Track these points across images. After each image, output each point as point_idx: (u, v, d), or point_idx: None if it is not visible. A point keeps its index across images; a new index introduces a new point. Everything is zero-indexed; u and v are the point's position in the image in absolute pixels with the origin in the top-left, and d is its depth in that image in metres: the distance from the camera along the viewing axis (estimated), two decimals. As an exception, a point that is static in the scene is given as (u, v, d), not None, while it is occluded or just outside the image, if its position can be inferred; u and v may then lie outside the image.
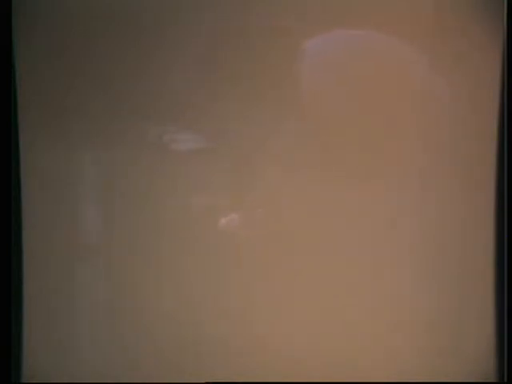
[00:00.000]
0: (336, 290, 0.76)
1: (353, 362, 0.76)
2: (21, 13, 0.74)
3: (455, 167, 0.76)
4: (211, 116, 0.75)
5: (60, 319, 0.76)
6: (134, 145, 0.75)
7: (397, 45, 0.75)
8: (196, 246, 0.76)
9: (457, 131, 0.76)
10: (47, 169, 0.76)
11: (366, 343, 0.76)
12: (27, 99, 0.75)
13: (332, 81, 0.75)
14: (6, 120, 0.73)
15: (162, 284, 0.76)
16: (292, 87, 0.75)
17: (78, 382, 0.76)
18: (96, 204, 0.76)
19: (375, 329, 0.76)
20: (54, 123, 0.75)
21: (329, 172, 0.76)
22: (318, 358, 0.76)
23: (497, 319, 0.76)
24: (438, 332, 0.77)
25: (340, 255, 0.76)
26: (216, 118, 0.75)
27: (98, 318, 0.77)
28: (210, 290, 0.76)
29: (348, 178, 0.76)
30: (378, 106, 0.75)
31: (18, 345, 0.76)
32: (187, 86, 0.75)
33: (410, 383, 0.75)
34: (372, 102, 0.75)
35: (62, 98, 0.75)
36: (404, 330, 0.77)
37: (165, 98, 0.75)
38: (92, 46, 0.75)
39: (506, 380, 0.74)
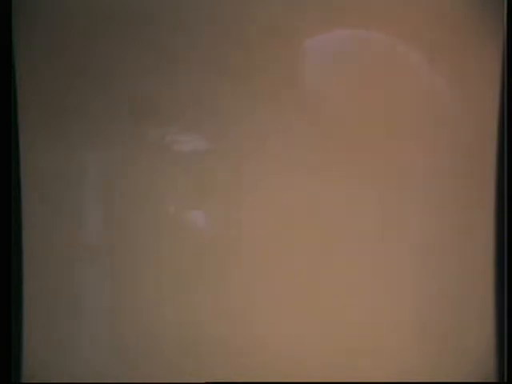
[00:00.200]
0: (336, 290, 0.76)
1: (353, 361, 0.76)
2: (21, 13, 0.74)
3: (455, 167, 0.76)
4: (213, 116, 0.75)
5: (60, 319, 0.76)
6: (134, 145, 0.75)
7: (396, 44, 0.75)
8: (196, 246, 0.76)
9: (457, 131, 0.76)
10: (47, 169, 0.76)
11: (366, 343, 0.76)
12: (27, 99, 0.75)
13: (331, 81, 0.75)
14: (5, 120, 0.73)
15: (162, 284, 0.76)
16: (291, 87, 0.75)
17: (78, 382, 0.76)
18: (96, 204, 0.76)
19: (375, 329, 0.76)
20: (54, 123, 0.75)
21: (329, 172, 0.76)
22: (318, 358, 0.76)
23: (497, 319, 0.76)
24: (438, 332, 0.77)
25: (340, 255, 0.76)
26: (218, 117, 0.75)
27: (98, 317, 0.77)
28: (210, 290, 0.76)
29: (348, 178, 0.76)
30: (377, 106, 0.75)
31: (18, 345, 0.76)
32: (188, 85, 0.75)
33: (410, 383, 0.75)
34: (371, 102, 0.75)
35: (61, 98, 0.75)
36: (404, 330, 0.77)
37: (165, 98, 0.75)
38: (92, 45, 0.75)
39: (506, 380, 0.74)
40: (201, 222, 0.76)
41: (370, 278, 0.76)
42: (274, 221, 0.76)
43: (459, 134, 0.76)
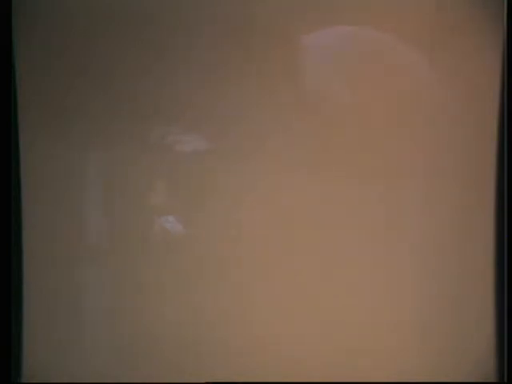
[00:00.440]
0: (336, 290, 0.76)
1: (353, 362, 0.76)
2: (21, 13, 0.74)
3: (455, 167, 0.76)
4: (213, 116, 0.75)
5: (60, 319, 0.76)
6: (134, 145, 0.75)
7: (395, 45, 0.75)
8: (196, 246, 0.76)
9: (457, 131, 0.76)
10: (47, 169, 0.76)
11: (366, 343, 0.76)
12: (27, 99, 0.75)
13: (331, 81, 0.75)
14: (6, 120, 0.73)
15: (163, 284, 0.76)
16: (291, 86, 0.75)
17: (78, 382, 0.76)
18: (96, 204, 0.76)
19: (375, 329, 0.76)
20: (54, 123, 0.75)
21: (329, 172, 0.76)
22: (318, 358, 0.76)
23: (497, 319, 0.76)
24: (438, 332, 0.77)
25: (340, 255, 0.76)
26: (218, 117, 0.75)
27: (98, 318, 0.77)
28: (210, 290, 0.76)
29: (348, 178, 0.76)
30: (376, 106, 0.75)
31: (18, 345, 0.76)
32: (188, 85, 0.75)
33: (410, 383, 0.75)
34: (371, 102, 0.75)
35: (61, 98, 0.75)
36: (404, 330, 0.77)
37: (165, 98, 0.75)
38: (92, 45, 0.75)
39: (506, 380, 0.74)
40: (201, 222, 0.76)
41: (369, 278, 0.76)
42: (273, 221, 0.76)
43: (459, 133, 0.76)
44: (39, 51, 0.75)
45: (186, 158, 0.75)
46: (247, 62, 0.75)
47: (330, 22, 0.75)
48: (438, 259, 0.76)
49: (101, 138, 0.76)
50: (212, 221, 0.76)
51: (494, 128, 0.76)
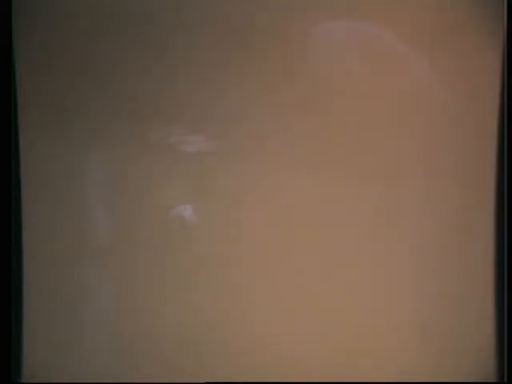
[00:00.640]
0: (336, 290, 0.76)
1: (353, 362, 0.76)
2: (21, 13, 0.74)
3: (455, 167, 0.76)
4: (213, 116, 0.75)
5: (60, 319, 0.76)
6: (134, 145, 0.75)
7: (395, 45, 0.75)
8: (196, 246, 0.76)
9: (457, 131, 0.76)
10: (47, 169, 0.76)
11: (366, 343, 0.76)
12: (27, 99, 0.75)
13: (331, 81, 0.75)
14: (6, 120, 0.73)
15: (163, 284, 0.76)
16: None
17: (78, 382, 0.76)
18: (96, 204, 0.76)
19: (375, 329, 0.76)
20: (54, 123, 0.75)
21: (329, 172, 0.76)
22: (318, 358, 0.76)
23: (497, 319, 0.77)
24: (438, 332, 0.77)
25: (340, 255, 0.76)
26: (217, 118, 0.75)
27: (98, 318, 0.77)
28: (210, 290, 0.76)
29: (348, 178, 0.76)
30: (376, 107, 0.75)
31: (18, 345, 0.76)
32: (188, 85, 0.75)
33: (410, 383, 0.75)
34: (370, 103, 0.75)
35: (61, 98, 0.75)
36: (404, 330, 0.77)
37: (165, 98, 0.75)
38: (92, 45, 0.74)
39: (506, 380, 0.74)
40: (201, 222, 0.76)
41: (369, 278, 0.76)
42: (273, 221, 0.76)
43: (459, 133, 0.76)
44: (39, 51, 0.75)
45: (186, 157, 0.75)
46: (247, 62, 0.75)
47: (330, 22, 0.75)
48: (437, 259, 0.76)
49: (101, 138, 0.76)
50: (212, 221, 0.76)
51: (493, 128, 0.76)
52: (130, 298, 0.76)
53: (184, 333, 0.76)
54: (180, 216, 0.76)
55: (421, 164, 0.76)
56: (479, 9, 0.75)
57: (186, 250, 0.76)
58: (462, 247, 0.77)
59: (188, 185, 0.76)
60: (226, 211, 0.76)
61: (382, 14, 0.75)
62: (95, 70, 0.75)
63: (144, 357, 0.76)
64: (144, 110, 0.75)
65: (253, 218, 0.76)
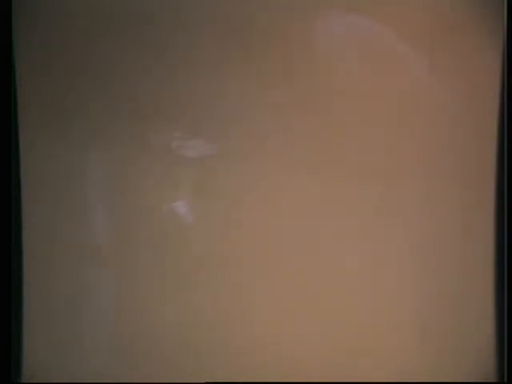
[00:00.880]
0: (336, 290, 0.76)
1: (353, 362, 0.76)
2: (21, 13, 0.74)
3: (455, 167, 0.76)
4: (213, 116, 0.75)
5: (60, 319, 0.76)
6: (134, 145, 0.75)
7: (395, 45, 0.75)
8: (196, 246, 0.76)
9: (457, 131, 0.76)
10: (47, 169, 0.76)
11: (366, 343, 0.76)
12: (27, 99, 0.75)
13: (330, 81, 0.75)
14: (6, 120, 0.73)
15: (163, 284, 0.76)
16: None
17: (78, 382, 0.76)
18: (96, 204, 0.76)
19: (375, 329, 0.76)
20: (54, 123, 0.75)
21: (329, 172, 0.76)
22: (318, 358, 0.76)
23: (497, 319, 0.77)
24: (438, 332, 0.77)
25: (340, 255, 0.76)
26: (217, 118, 0.75)
27: (98, 318, 0.77)
28: (210, 290, 0.76)
29: (348, 178, 0.76)
30: (376, 107, 0.75)
31: (18, 345, 0.76)
32: (188, 85, 0.75)
33: (410, 383, 0.75)
34: (370, 103, 0.75)
35: (62, 98, 0.75)
36: (404, 330, 0.77)
37: (165, 98, 0.75)
38: (92, 45, 0.75)
39: (506, 380, 0.74)
40: (201, 222, 0.76)
41: (369, 278, 0.76)
42: (273, 221, 0.76)
43: (459, 133, 0.76)
44: (39, 51, 0.75)
45: (185, 157, 0.75)
46: (247, 62, 0.75)
47: (330, 22, 0.75)
48: (438, 259, 0.77)
49: (101, 138, 0.76)
50: (212, 221, 0.76)
51: (493, 128, 0.76)
52: (130, 298, 0.76)
53: (184, 333, 0.76)
54: (180, 216, 0.76)
55: (421, 164, 0.76)
56: (479, 9, 0.75)
57: (186, 249, 0.76)
58: (462, 247, 0.77)
59: (188, 185, 0.76)
60: (226, 211, 0.76)
61: (382, 14, 0.75)
62: (95, 70, 0.75)
63: (144, 357, 0.76)
64: (144, 110, 0.75)
65: (253, 218, 0.76)
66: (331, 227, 0.76)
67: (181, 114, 0.75)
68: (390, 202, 0.76)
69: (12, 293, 0.74)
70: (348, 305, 0.76)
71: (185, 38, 0.74)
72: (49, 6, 0.74)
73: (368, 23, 0.75)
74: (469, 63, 0.75)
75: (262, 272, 0.76)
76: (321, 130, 0.75)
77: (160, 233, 0.76)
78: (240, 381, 0.75)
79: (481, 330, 0.77)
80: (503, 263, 0.75)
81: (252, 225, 0.76)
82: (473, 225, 0.77)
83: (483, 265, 0.77)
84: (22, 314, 0.76)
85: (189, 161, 0.76)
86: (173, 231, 0.76)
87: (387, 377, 0.75)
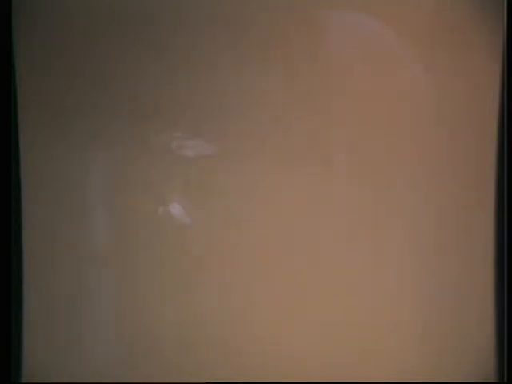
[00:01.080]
0: (336, 290, 0.76)
1: (353, 362, 0.76)
2: (21, 13, 0.74)
3: (455, 167, 0.76)
4: (213, 116, 0.75)
5: (60, 319, 0.76)
6: (134, 145, 0.75)
7: (395, 45, 0.75)
8: (196, 245, 0.76)
9: (457, 131, 0.76)
10: (47, 169, 0.76)
11: (366, 343, 0.76)
12: (27, 99, 0.75)
13: (330, 81, 0.75)
14: (6, 120, 0.73)
15: (163, 284, 0.76)
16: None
17: (78, 382, 0.76)
18: (96, 204, 0.76)
19: (375, 329, 0.76)
20: (54, 123, 0.75)
21: (329, 172, 0.76)
22: (318, 358, 0.76)
23: (497, 319, 0.76)
24: (438, 332, 0.77)
25: (340, 255, 0.76)
26: (217, 118, 0.75)
27: (98, 317, 0.77)
28: (210, 290, 0.76)
29: (348, 178, 0.76)
30: (376, 107, 0.75)
31: (18, 345, 0.76)
32: (188, 85, 0.75)
33: (410, 383, 0.75)
34: (370, 103, 0.75)
35: (61, 98, 0.75)
36: (404, 330, 0.77)
37: (165, 98, 0.75)
38: (92, 45, 0.74)
39: (506, 380, 0.74)
40: (200, 222, 0.76)
41: (369, 278, 0.76)
42: (273, 221, 0.76)
43: (459, 133, 0.76)
44: (39, 51, 0.75)
45: (185, 157, 0.75)
46: (247, 62, 0.75)
47: (330, 21, 0.75)
48: (437, 259, 0.76)
49: (101, 138, 0.76)
50: (212, 221, 0.76)
51: (494, 128, 0.76)
52: (130, 298, 0.76)
53: (184, 333, 0.76)
54: (180, 216, 0.76)
55: (421, 164, 0.76)
56: (479, 9, 0.75)
57: (186, 249, 0.76)
58: (462, 247, 0.77)
59: (188, 185, 0.76)
60: (226, 211, 0.76)
61: (382, 13, 0.75)
62: (95, 70, 0.75)
63: (144, 357, 0.76)
64: (144, 110, 0.75)
65: (253, 218, 0.76)
66: (331, 227, 0.76)
67: (181, 114, 0.75)
68: (390, 202, 0.76)
69: (12, 293, 0.74)
70: (348, 305, 0.76)
71: (185, 38, 0.74)
72: (49, 5, 0.74)
73: (368, 23, 0.75)
74: (469, 63, 0.75)
75: (262, 272, 0.76)
76: (321, 129, 0.75)
77: (160, 233, 0.76)
78: (240, 381, 0.75)
79: (481, 330, 0.77)
80: (503, 263, 0.75)
81: (252, 225, 0.76)
82: (473, 225, 0.77)
83: (483, 265, 0.77)
84: (21, 314, 0.76)
85: (189, 161, 0.76)
86: (173, 231, 0.76)
87: (387, 377, 0.75)
